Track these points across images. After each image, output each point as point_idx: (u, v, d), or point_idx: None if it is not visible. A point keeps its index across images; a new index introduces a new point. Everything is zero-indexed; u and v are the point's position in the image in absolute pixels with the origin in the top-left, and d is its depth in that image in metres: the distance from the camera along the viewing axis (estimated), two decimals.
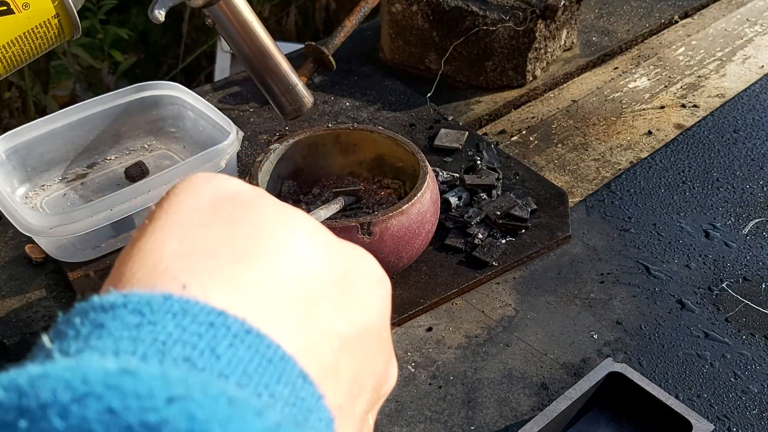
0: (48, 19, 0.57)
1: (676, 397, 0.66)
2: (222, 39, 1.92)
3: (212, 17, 0.67)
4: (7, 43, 0.55)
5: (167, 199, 0.28)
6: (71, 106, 0.87)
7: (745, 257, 0.80)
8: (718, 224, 0.85)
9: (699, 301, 0.75)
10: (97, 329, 0.21)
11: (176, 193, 0.28)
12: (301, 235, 0.27)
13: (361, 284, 0.28)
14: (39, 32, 0.57)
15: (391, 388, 0.30)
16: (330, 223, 0.65)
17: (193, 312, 0.21)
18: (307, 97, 0.72)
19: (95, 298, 0.22)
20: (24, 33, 0.56)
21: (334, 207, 0.68)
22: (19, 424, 0.16)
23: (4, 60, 0.56)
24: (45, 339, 0.21)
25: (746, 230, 0.84)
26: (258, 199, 0.28)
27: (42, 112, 1.71)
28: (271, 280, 0.25)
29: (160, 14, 0.64)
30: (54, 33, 0.57)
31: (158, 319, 0.21)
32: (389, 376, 0.29)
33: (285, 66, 0.70)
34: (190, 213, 0.27)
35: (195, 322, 0.21)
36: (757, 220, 0.85)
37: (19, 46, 0.56)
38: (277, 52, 0.69)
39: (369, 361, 0.27)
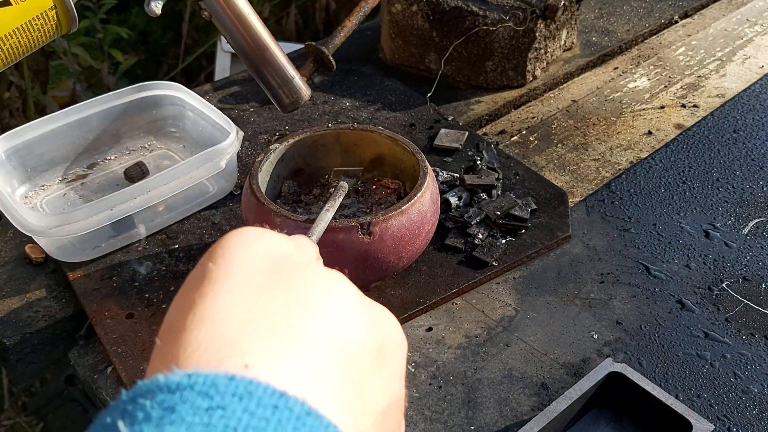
0: (45, 11, 0.57)
1: (676, 397, 0.66)
2: (222, 39, 1.92)
3: (209, 10, 0.67)
4: (5, 35, 0.55)
5: (222, 256, 0.28)
6: (71, 106, 0.87)
7: (745, 257, 0.80)
8: (718, 224, 0.85)
9: (699, 301, 0.75)
10: (168, 413, 0.21)
11: (231, 250, 0.28)
12: (347, 307, 0.28)
13: (389, 352, 0.29)
14: (36, 24, 0.57)
15: None
16: (330, 223, 0.65)
17: (257, 394, 0.22)
18: (304, 89, 0.72)
19: (161, 378, 0.22)
20: (21, 25, 0.56)
21: (338, 200, 0.67)
22: None
23: (2, 52, 0.56)
24: (120, 424, 0.21)
25: (746, 230, 0.84)
26: (308, 265, 0.29)
27: (42, 112, 1.71)
28: (325, 358, 0.25)
29: (156, 7, 0.63)
30: (51, 25, 0.58)
31: (226, 403, 0.21)
32: None
33: (282, 58, 0.70)
34: (251, 276, 0.27)
35: (260, 405, 0.22)
36: (757, 220, 0.85)
37: (17, 38, 0.56)
38: (274, 44, 0.69)
39: (392, 429, 0.28)
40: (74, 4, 0.58)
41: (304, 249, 0.31)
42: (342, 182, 0.72)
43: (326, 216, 0.61)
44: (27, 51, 0.58)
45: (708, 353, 0.70)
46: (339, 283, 0.29)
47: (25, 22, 0.56)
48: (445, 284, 0.76)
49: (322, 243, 0.65)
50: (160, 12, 0.64)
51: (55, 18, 0.58)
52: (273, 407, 0.22)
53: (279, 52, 0.70)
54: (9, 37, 0.56)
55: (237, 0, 0.67)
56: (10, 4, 0.55)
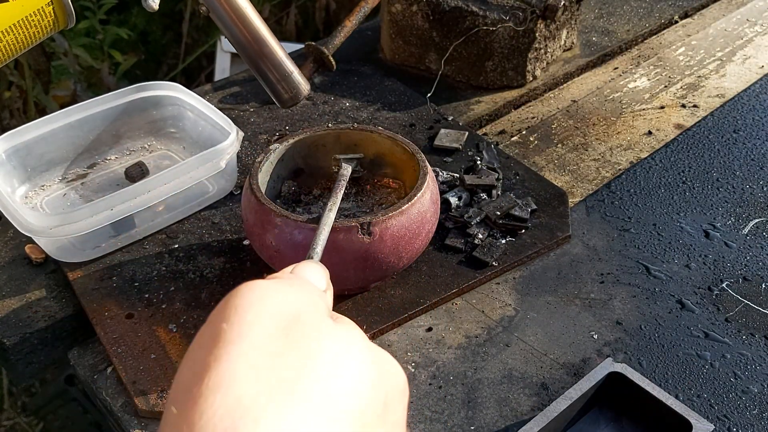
0: (42, 7, 0.57)
1: (676, 397, 0.66)
2: (222, 39, 1.92)
3: (206, 4, 0.66)
4: (2, 31, 0.55)
5: (236, 314, 0.29)
6: (71, 106, 0.87)
7: (745, 257, 0.80)
8: (718, 224, 0.85)
9: (699, 301, 0.75)
10: None
11: (244, 308, 0.29)
12: (357, 366, 0.29)
13: (394, 403, 0.30)
14: (33, 20, 0.57)
15: None
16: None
17: None
18: (303, 84, 0.71)
19: None
20: (18, 21, 0.56)
21: (339, 193, 0.66)
22: None
23: None
24: None
25: (746, 230, 0.84)
26: (318, 324, 0.30)
27: (42, 112, 1.71)
28: (336, 420, 0.26)
29: (154, 2, 0.63)
30: (48, 21, 0.58)
31: None
32: None
33: (280, 53, 0.69)
34: (264, 339, 0.28)
35: None
36: (757, 220, 0.85)
37: (14, 35, 0.56)
38: (273, 39, 0.69)
39: None
40: (71, 1, 0.58)
41: (313, 301, 0.32)
42: (342, 171, 0.71)
43: (329, 219, 0.60)
44: (24, 47, 0.58)
45: (708, 353, 0.70)
46: (348, 338, 0.30)
47: (22, 19, 0.56)
48: (445, 284, 0.76)
49: None
50: (157, 7, 0.63)
51: (52, 14, 0.58)
52: None
53: (277, 46, 0.69)
54: (6, 33, 0.56)
55: None
56: (7, 0, 0.55)
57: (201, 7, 0.67)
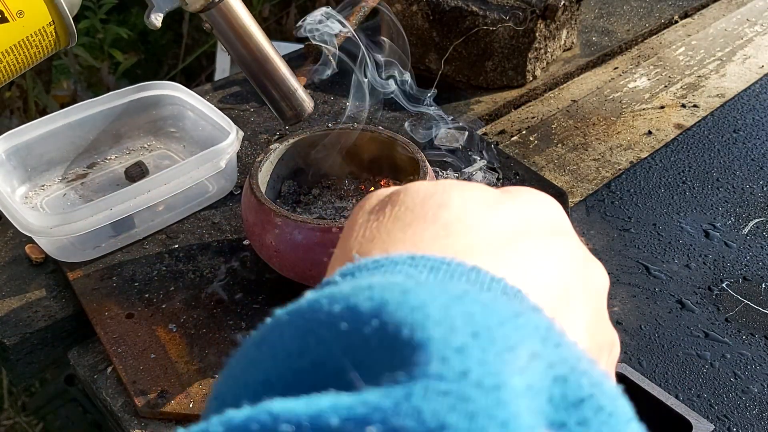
0: (43, 27, 0.56)
1: (676, 397, 0.66)
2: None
3: (210, 22, 0.66)
4: (3, 51, 0.55)
5: (450, 190, 0.29)
6: (71, 106, 0.87)
7: (745, 257, 0.80)
8: (718, 224, 0.85)
9: (699, 301, 0.75)
10: (379, 269, 0.24)
11: (454, 191, 0.29)
12: (570, 243, 0.29)
13: (597, 293, 0.30)
14: (35, 41, 0.56)
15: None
16: (329, 223, 0.65)
17: (498, 288, 0.24)
18: (307, 101, 0.71)
19: (360, 260, 0.24)
20: (19, 41, 0.56)
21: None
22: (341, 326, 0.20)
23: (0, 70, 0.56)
24: (337, 277, 0.24)
25: (746, 230, 0.84)
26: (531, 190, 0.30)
27: (43, 112, 1.71)
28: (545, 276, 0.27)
29: (156, 20, 0.63)
30: (50, 41, 0.57)
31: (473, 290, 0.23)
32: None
33: (284, 71, 0.69)
34: (480, 200, 0.28)
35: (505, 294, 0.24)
36: (757, 220, 0.85)
37: (14, 55, 0.56)
38: (277, 56, 0.69)
39: (600, 329, 0.29)
40: (72, 19, 0.58)
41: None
42: None
43: None
44: (25, 67, 0.58)
45: (708, 353, 0.70)
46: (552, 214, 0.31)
47: (23, 39, 0.56)
48: None
49: (323, 243, 0.65)
50: (159, 24, 0.63)
51: (54, 34, 0.57)
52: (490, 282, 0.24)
53: (281, 64, 0.69)
54: (7, 53, 0.55)
55: (238, 12, 0.66)
56: (8, 21, 0.54)
57: (205, 24, 0.66)
